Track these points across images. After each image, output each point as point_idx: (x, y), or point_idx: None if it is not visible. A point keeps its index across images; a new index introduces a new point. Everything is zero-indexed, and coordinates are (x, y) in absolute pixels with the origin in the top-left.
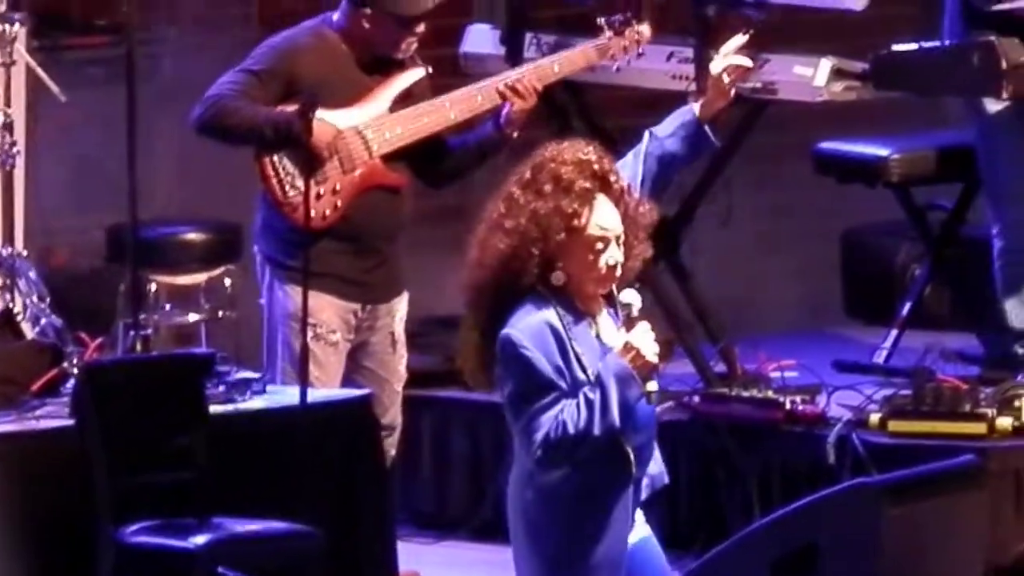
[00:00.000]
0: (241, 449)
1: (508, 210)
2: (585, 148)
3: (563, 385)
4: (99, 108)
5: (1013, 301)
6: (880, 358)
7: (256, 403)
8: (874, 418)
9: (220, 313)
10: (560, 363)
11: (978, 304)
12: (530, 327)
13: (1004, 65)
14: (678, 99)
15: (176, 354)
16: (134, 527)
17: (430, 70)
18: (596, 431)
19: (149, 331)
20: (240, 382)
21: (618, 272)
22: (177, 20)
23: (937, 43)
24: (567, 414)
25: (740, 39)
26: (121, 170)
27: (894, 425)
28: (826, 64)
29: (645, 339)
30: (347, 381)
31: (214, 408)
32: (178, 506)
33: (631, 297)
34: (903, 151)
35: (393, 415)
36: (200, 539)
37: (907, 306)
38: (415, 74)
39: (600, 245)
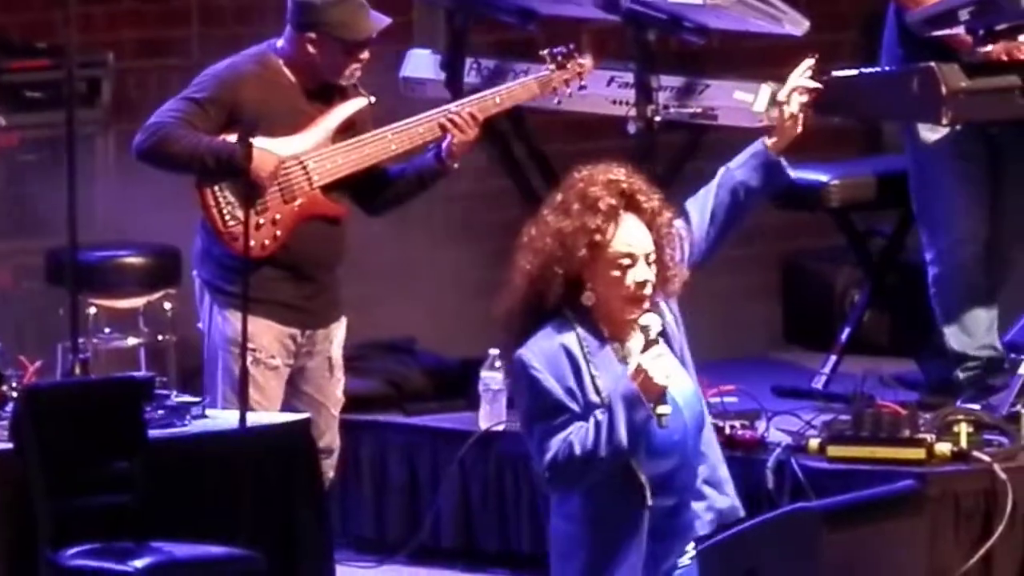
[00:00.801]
0: (180, 473)
1: (537, 232)
2: (616, 168)
3: (574, 407)
4: (39, 131)
5: (953, 327)
6: (819, 384)
7: (195, 427)
8: (813, 443)
9: (159, 337)
10: (572, 385)
11: (917, 330)
12: (543, 348)
13: (944, 91)
14: (618, 123)
15: (115, 378)
16: (73, 551)
17: (373, 100)
18: (602, 452)
19: (88, 355)
20: (179, 406)
21: (647, 291)
22: (118, 44)
23: (877, 69)
24: (576, 436)
25: (807, 63)
26: (61, 193)
27: (833, 450)
28: (766, 90)
29: (656, 362)
30: (285, 406)
31: (153, 432)
32: (117, 530)
33: (649, 319)
34: (843, 177)
35: (330, 438)
36: (139, 563)
37: (846, 332)
38: (357, 103)
39: (626, 261)
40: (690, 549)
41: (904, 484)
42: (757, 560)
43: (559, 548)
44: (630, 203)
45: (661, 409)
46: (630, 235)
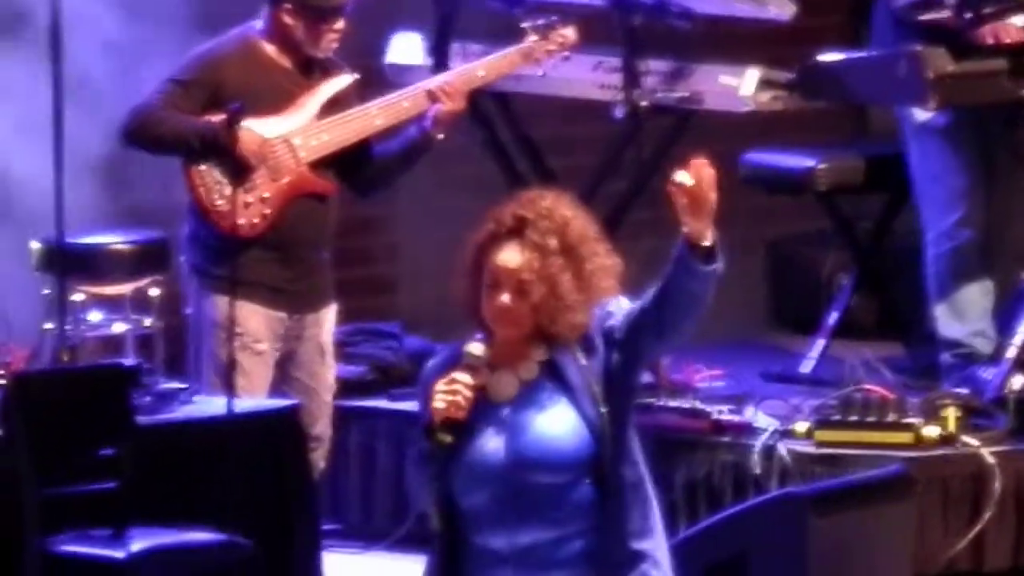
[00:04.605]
0: (168, 459)
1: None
2: (537, 193)
3: None
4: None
5: (943, 307)
6: (807, 368)
7: (183, 413)
8: (801, 428)
9: (147, 323)
10: None
11: (904, 314)
12: (435, 361)
13: (930, 75)
14: (605, 108)
15: (103, 365)
16: (61, 537)
17: (357, 77)
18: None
19: (76, 341)
20: (167, 393)
21: (509, 317)
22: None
23: (863, 53)
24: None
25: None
26: (48, 179)
27: (821, 435)
28: (753, 74)
29: (446, 386)
30: (276, 392)
31: (141, 419)
32: (106, 517)
33: (473, 348)
34: (830, 161)
35: (323, 426)
36: (127, 550)
37: (834, 316)
38: (342, 81)
39: (491, 282)
40: None
41: (891, 469)
42: (746, 544)
43: None
44: (516, 229)
45: (441, 435)
46: (500, 259)
